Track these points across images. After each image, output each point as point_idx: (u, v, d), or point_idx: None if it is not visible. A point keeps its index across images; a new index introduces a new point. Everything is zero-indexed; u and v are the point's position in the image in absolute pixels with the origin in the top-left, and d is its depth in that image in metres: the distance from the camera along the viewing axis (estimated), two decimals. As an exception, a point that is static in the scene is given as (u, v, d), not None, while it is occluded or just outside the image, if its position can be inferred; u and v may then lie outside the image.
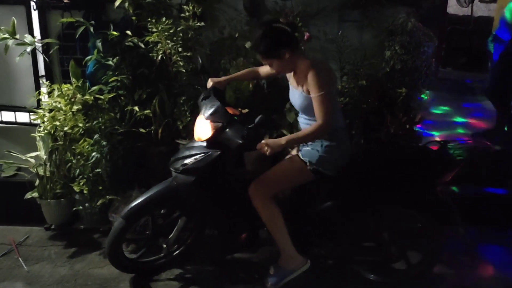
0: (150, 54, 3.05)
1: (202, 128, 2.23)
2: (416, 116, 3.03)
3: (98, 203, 2.91)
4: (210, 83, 2.42)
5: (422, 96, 3.09)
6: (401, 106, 2.98)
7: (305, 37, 3.00)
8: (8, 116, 3.78)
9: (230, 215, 2.40)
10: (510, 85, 3.79)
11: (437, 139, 3.73)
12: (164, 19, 2.97)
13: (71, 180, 3.01)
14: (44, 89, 3.26)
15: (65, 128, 2.95)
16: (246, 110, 2.48)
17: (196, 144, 2.29)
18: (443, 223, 2.39)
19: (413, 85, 3.05)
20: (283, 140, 2.12)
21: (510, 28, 3.72)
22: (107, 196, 2.90)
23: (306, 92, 2.18)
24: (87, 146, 2.92)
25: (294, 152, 2.44)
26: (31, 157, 3.13)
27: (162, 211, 2.56)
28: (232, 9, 3.26)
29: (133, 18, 3.10)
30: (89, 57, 3.06)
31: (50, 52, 3.33)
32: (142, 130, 3.05)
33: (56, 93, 3.03)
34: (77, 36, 2.98)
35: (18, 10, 3.45)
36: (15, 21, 2.89)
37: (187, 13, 3.05)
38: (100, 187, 2.94)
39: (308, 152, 2.26)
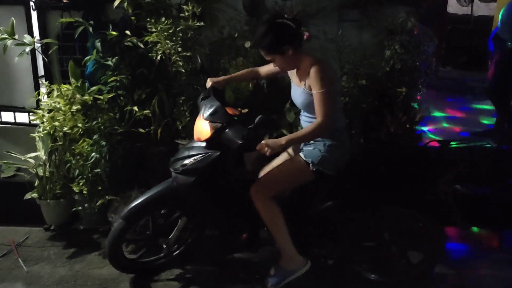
0: (150, 54, 3.05)
1: (202, 128, 2.23)
2: (416, 115, 3.02)
3: (98, 203, 2.91)
4: (209, 83, 2.41)
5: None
6: (401, 105, 2.98)
7: (305, 36, 2.99)
8: (7, 116, 3.78)
9: (230, 215, 2.39)
10: (510, 84, 3.79)
11: (437, 138, 3.72)
12: (163, 19, 2.97)
13: (71, 181, 3.01)
14: (43, 90, 3.26)
15: (65, 129, 2.94)
16: (246, 110, 2.48)
17: (195, 144, 2.28)
18: (444, 223, 2.39)
19: (413, 84, 3.05)
20: (283, 140, 2.11)
21: (505, 28, 3.71)
22: (107, 197, 2.90)
23: (308, 88, 2.17)
24: (86, 147, 2.92)
25: (290, 150, 2.43)
26: (30, 157, 3.13)
27: (162, 211, 2.55)
28: (231, 9, 3.25)
29: (132, 18, 3.10)
30: (88, 57, 3.05)
31: (49, 52, 3.32)
32: (141, 130, 3.05)
33: (55, 93, 3.02)
34: (76, 36, 2.98)
35: (17, 10, 3.45)
36: (14, 21, 2.89)
37: (186, 13, 3.05)
38: (100, 188, 2.93)
39: (310, 152, 2.25)
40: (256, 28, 2.29)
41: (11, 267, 2.70)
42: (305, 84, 2.19)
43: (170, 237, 2.53)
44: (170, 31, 2.96)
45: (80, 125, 2.94)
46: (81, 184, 2.92)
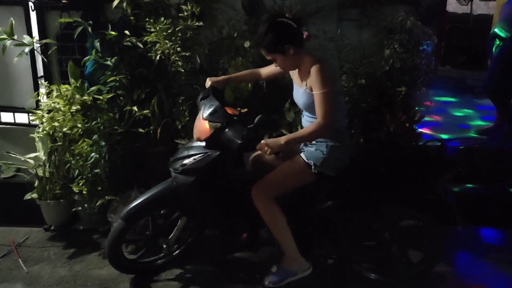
0: (149, 54, 3.05)
1: (201, 128, 2.22)
2: (416, 114, 3.02)
3: (97, 203, 2.91)
4: (208, 83, 2.40)
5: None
6: (400, 105, 2.97)
7: (304, 36, 2.99)
8: (7, 117, 3.77)
9: (230, 215, 2.39)
10: (510, 83, 3.79)
11: (437, 138, 3.72)
12: (162, 19, 2.97)
13: (70, 181, 3.00)
14: (42, 90, 3.26)
15: (64, 129, 2.94)
16: (245, 110, 2.47)
17: (195, 144, 2.28)
18: (444, 222, 2.38)
19: (412, 83, 3.05)
20: (282, 139, 2.10)
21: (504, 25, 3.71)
22: (106, 197, 2.90)
23: (309, 89, 2.16)
24: (86, 147, 2.91)
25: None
26: (30, 158, 3.12)
27: (162, 211, 2.55)
28: (230, 9, 3.25)
29: (131, 18, 3.10)
30: (88, 57, 3.05)
31: (49, 53, 3.32)
32: (141, 130, 3.05)
33: (54, 93, 3.02)
34: (75, 37, 2.97)
35: (16, 11, 3.45)
36: (13, 22, 2.89)
37: (185, 13, 3.05)
38: (99, 188, 2.93)
39: (312, 153, 2.24)
40: (256, 28, 2.28)
41: (11, 268, 2.70)
42: (306, 85, 2.18)
43: (170, 237, 2.53)
44: (169, 31, 2.96)
45: (79, 125, 2.94)
46: (80, 184, 2.92)
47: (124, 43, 3.00)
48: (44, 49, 3.32)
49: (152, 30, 2.95)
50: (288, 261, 2.36)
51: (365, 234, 2.45)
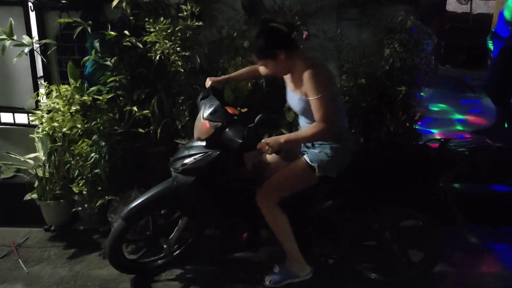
0: (148, 54, 3.04)
1: (202, 128, 2.22)
2: (416, 114, 3.02)
3: (97, 203, 2.91)
4: (208, 82, 2.40)
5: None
6: (400, 104, 2.97)
7: (304, 35, 2.99)
8: (6, 117, 3.77)
9: (230, 215, 2.39)
10: (510, 82, 3.79)
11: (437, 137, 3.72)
12: (162, 18, 2.97)
13: (70, 181, 3.00)
14: (42, 90, 3.25)
15: (64, 129, 2.94)
16: (245, 109, 2.47)
17: (195, 144, 2.28)
18: (444, 222, 2.38)
19: (412, 83, 3.04)
20: (282, 138, 2.10)
21: (509, 26, 3.71)
22: (106, 197, 2.89)
23: (305, 95, 2.14)
24: (86, 147, 2.91)
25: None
26: (30, 158, 3.12)
27: (163, 211, 2.55)
28: (230, 9, 3.25)
29: (131, 18, 3.09)
30: (87, 57, 3.05)
31: (48, 53, 3.31)
32: (141, 130, 3.05)
33: (54, 94, 3.02)
34: (74, 37, 2.97)
35: (15, 11, 3.45)
36: (13, 22, 2.88)
37: (185, 13, 3.05)
38: (99, 188, 2.93)
39: (316, 155, 2.22)
40: (252, 29, 2.27)
41: (12, 268, 2.70)
42: (301, 91, 2.16)
43: (170, 237, 2.53)
44: (169, 31, 2.96)
45: (79, 125, 2.94)
46: (80, 184, 2.92)
47: (124, 43, 3.00)
48: (44, 49, 3.31)
49: (152, 30, 2.95)
50: (290, 262, 2.37)
51: (365, 234, 2.45)
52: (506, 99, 3.90)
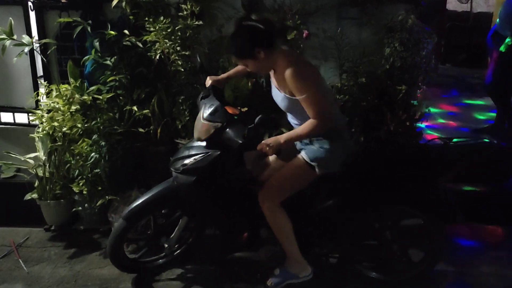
0: (148, 54, 3.04)
1: (202, 128, 2.22)
2: (416, 113, 3.02)
3: (98, 203, 2.90)
4: (208, 82, 2.39)
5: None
6: (401, 103, 2.97)
7: (304, 34, 2.99)
8: (6, 117, 3.77)
9: (230, 214, 2.39)
10: (510, 81, 3.78)
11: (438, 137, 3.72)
12: (162, 18, 2.96)
13: (71, 181, 3.00)
14: (42, 90, 3.25)
15: (64, 129, 2.94)
16: (246, 109, 2.47)
17: (195, 144, 2.28)
18: (445, 221, 2.38)
19: (412, 82, 3.04)
20: (282, 138, 2.09)
21: (504, 24, 3.70)
22: (107, 197, 2.89)
23: (289, 94, 2.10)
24: (86, 147, 2.91)
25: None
26: (30, 158, 3.12)
27: (163, 211, 2.55)
28: (230, 8, 3.24)
29: (131, 17, 3.09)
30: (87, 57, 3.04)
31: (48, 53, 3.31)
32: (141, 130, 3.04)
33: (54, 93, 3.02)
34: (74, 36, 2.96)
35: (15, 11, 3.44)
36: (12, 22, 2.88)
37: (185, 12, 3.04)
38: (100, 188, 2.93)
39: (314, 151, 2.19)
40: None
41: (12, 268, 2.70)
42: (285, 90, 2.12)
43: (171, 237, 2.53)
44: (169, 30, 2.95)
45: (79, 125, 2.93)
46: (81, 184, 2.92)
47: (124, 43, 3.00)
48: (44, 49, 3.30)
49: (152, 29, 2.95)
50: (291, 263, 2.37)
51: (366, 234, 2.45)
52: (506, 98, 3.90)
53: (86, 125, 2.95)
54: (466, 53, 6.38)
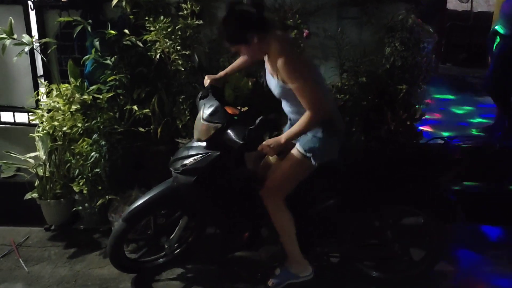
0: (149, 53, 3.03)
1: (202, 129, 2.21)
2: (417, 113, 3.01)
3: (98, 203, 2.91)
4: (207, 81, 2.38)
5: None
6: (401, 103, 2.97)
7: (304, 34, 2.98)
8: (6, 116, 3.77)
9: (231, 214, 2.38)
10: (510, 81, 3.78)
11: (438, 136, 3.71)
12: (162, 17, 2.96)
13: (71, 180, 3.00)
14: (42, 89, 3.25)
15: (64, 128, 2.93)
16: (246, 108, 2.46)
17: (196, 144, 2.27)
18: (446, 221, 2.38)
19: (413, 81, 3.04)
20: (282, 139, 2.08)
21: (505, 23, 3.70)
22: (107, 196, 2.89)
23: (282, 81, 2.07)
24: (86, 146, 2.91)
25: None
26: (30, 157, 3.12)
27: (163, 211, 2.55)
28: (230, 7, 3.23)
29: (131, 17, 3.08)
30: (87, 56, 3.04)
31: (48, 52, 3.30)
32: (141, 129, 3.04)
33: (54, 93, 3.02)
34: (74, 36, 2.96)
35: (15, 10, 3.44)
36: (12, 21, 2.88)
37: (185, 11, 3.03)
38: (100, 187, 2.93)
39: (308, 142, 2.16)
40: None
41: (12, 268, 2.70)
42: (278, 77, 2.09)
43: (171, 237, 2.53)
44: (169, 29, 2.95)
45: (79, 124, 2.93)
46: (81, 183, 2.92)
47: (124, 42, 2.99)
48: (44, 48, 3.30)
49: (152, 28, 2.94)
50: (291, 263, 2.37)
51: (366, 233, 2.45)
52: (506, 98, 3.89)
53: (86, 124, 2.94)
54: (467, 53, 6.37)
